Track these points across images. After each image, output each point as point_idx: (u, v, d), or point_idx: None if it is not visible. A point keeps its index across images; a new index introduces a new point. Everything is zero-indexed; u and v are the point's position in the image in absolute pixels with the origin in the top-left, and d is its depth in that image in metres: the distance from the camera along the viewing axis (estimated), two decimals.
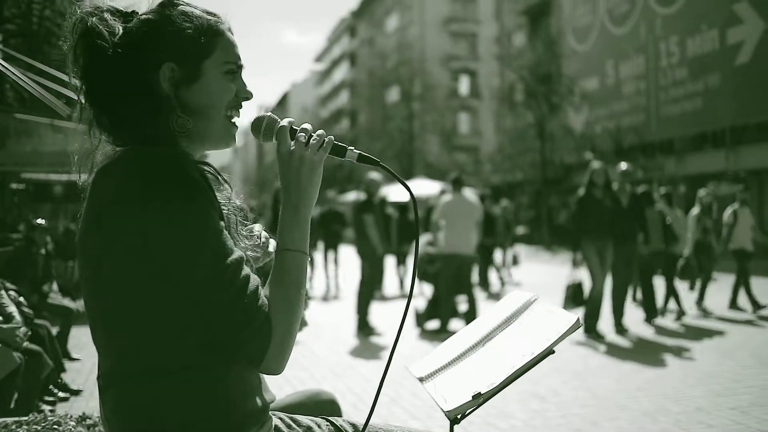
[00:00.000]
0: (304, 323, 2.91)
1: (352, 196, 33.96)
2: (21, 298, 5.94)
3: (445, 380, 1.86)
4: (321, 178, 1.66)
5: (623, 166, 10.03)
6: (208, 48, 1.62)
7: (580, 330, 9.41)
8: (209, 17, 1.65)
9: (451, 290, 9.66)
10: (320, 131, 1.67)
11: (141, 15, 1.63)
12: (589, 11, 35.68)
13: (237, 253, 1.52)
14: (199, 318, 1.49)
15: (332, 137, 1.68)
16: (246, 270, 1.53)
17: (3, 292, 5.54)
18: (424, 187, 29.72)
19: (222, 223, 1.53)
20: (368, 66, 59.71)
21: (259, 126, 1.69)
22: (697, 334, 9.31)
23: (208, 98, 1.63)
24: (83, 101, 1.61)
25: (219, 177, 1.69)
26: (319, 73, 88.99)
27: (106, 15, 1.59)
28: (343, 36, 76.99)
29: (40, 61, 6.72)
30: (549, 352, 1.74)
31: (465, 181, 10.00)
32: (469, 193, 10.07)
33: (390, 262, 19.70)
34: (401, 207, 22.85)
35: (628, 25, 32.30)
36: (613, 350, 8.32)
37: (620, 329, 9.38)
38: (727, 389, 6.34)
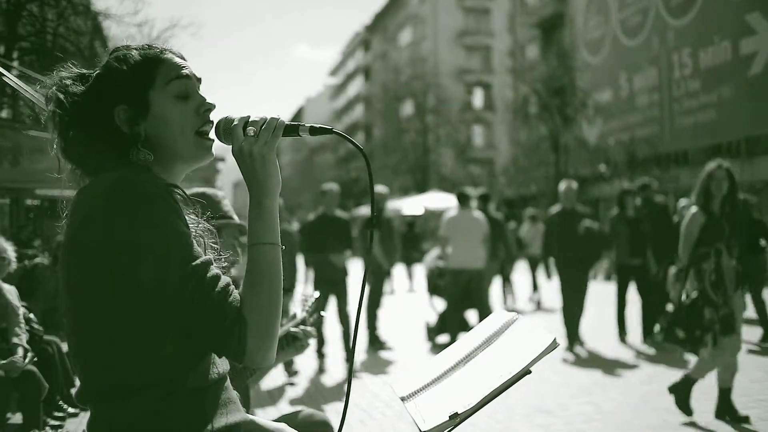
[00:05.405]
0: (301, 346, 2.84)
1: (364, 210, 34.01)
2: (31, 315, 6.00)
3: (426, 400, 1.89)
4: (277, 166, 1.71)
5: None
6: (148, 79, 1.73)
7: (589, 344, 9.40)
8: (144, 51, 1.76)
9: (458, 305, 9.65)
10: (270, 117, 1.72)
11: (93, 73, 1.77)
12: (601, 23, 35.69)
13: (205, 257, 1.60)
14: (173, 326, 1.56)
15: (282, 120, 1.72)
16: (214, 270, 1.59)
17: (21, 311, 5.56)
18: (439, 200, 29.81)
19: (187, 230, 1.60)
20: (382, 80, 59.84)
21: (218, 130, 1.77)
22: None
23: (164, 126, 1.72)
24: (61, 158, 1.75)
25: (188, 199, 1.75)
26: (333, 87, 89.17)
27: (68, 83, 1.74)
28: (357, 50, 77.16)
29: None
30: (525, 372, 1.77)
31: (471, 196, 9.92)
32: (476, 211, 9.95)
33: (400, 270, 20.13)
34: (409, 223, 23.42)
35: (641, 37, 32.26)
36: (620, 364, 8.29)
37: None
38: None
